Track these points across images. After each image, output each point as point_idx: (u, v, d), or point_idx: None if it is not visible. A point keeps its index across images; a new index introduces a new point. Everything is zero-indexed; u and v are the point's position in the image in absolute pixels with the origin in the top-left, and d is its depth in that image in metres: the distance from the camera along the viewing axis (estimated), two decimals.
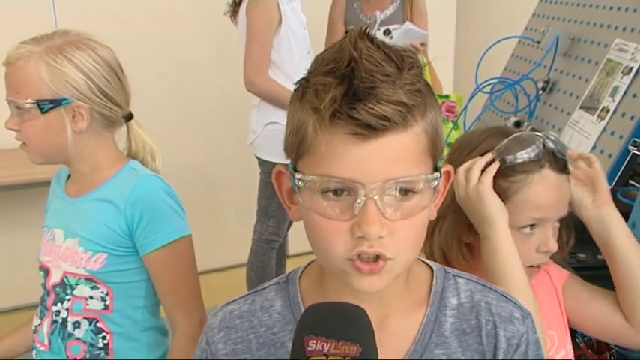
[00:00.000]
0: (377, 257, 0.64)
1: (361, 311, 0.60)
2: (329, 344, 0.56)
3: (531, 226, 0.98)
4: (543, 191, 0.96)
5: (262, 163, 2.44)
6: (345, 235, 0.64)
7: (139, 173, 1.21)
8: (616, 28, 1.57)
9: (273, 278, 2.61)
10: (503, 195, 0.96)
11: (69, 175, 1.28)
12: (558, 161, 0.98)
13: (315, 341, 0.56)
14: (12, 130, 1.17)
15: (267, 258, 2.52)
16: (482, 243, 0.96)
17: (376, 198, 0.62)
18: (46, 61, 1.13)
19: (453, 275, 0.76)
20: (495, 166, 0.96)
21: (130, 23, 2.82)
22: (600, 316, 1.02)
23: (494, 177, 0.96)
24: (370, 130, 0.61)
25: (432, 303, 0.73)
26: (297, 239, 3.03)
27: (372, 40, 0.64)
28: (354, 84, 0.61)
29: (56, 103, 1.14)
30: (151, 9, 2.93)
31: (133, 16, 2.87)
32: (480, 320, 0.72)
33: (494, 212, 0.95)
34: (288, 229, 2.62)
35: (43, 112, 1.14)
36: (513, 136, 0.98)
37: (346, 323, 0.58)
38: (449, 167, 0.72)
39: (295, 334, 0.59)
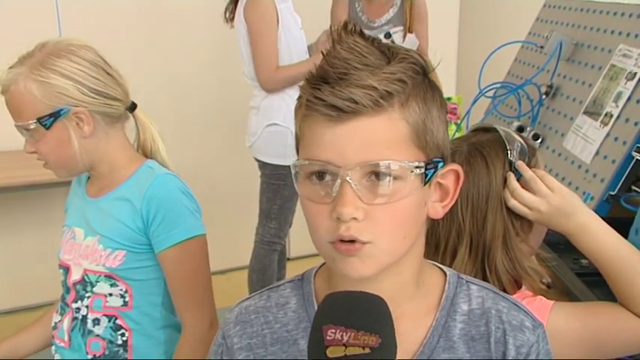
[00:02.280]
0: (354, 242, 0.65)
1: (381, 301, 0.60)
2: (348, 334, 0.56)
3: None
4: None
5: (263, 165, 2.44)
6: (327, 219, 0.66)
7: (155, 172, 1.23)
8: (620, 33, 1.56)
9: (274, 280, 2.61)
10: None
11: (89, 176, 1.30)
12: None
13: (334, 330, 0.56)
14: (31, 153, 1.20)
15: (269, 260, 2.51)
16: (581, 237, 0.98)
17: (350, 180, 0.64)
18: (33, 78, 1.14)
19: (467, 282, 0.76)
20: (537, 169, 1.01)
21: (130, 25, 2.82)
22: (612, 328, 0.96)
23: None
24: (340, 112, 0.63)
25: (442, 308, 0.73)
26: (298, 242, 3.03)
27: (362, 35, 0.67)
28: (323, 69, 0.65)
29: (55, 115, 1.15)
30: (153, 11, 2.93)
31: (134, 17, 2.87)
32: (490, 327, 0.72)
33: (578, 199, 0.99)
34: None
35: (47, 129, 1.16)
36: (503, 137, 1.02)
37: (366, 313, 0.58)
38: (456, 166, 0.72)
39: (314, 322, 0.59)
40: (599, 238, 0.97)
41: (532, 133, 1.68)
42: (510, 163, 1.00)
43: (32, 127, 1.15)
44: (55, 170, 1.23)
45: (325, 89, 0.64)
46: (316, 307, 0.74)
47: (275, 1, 2.31)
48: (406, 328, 0.71)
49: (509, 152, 0.99)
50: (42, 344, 1.35)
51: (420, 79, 0.68)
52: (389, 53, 0.66)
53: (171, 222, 1.18)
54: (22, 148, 1.21)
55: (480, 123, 1.30)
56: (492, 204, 0.99)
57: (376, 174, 0.65)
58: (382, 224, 0.65)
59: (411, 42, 2.55)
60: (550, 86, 1.72)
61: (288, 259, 2.80)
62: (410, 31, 2.63)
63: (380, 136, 0.64)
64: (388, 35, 2.60)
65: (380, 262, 0.67)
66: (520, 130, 1.70)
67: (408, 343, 0.72)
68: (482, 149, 1.01)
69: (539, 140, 1.67)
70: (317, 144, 0.65)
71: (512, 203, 0.98)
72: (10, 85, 1.15)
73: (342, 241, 0.65)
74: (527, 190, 0.98)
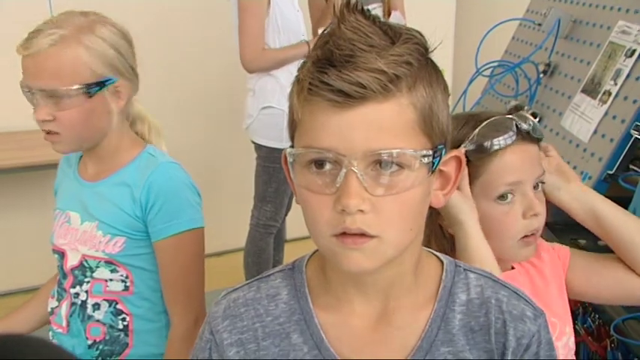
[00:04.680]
0: (361, 235, 0.62)
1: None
2: None
3: (511, 194, 0.97)
4: (513, 157, 0.97)
5: (259, 147, 2.43)
6: (329, 211, 0.62)
7: (157, 159, 1.20)
8: (619, 9, 1.54)
9: (270, 263, 2.58)
10: (476, 172, 0.96)
11: (80, 157, 1.26)
12: (531, 138, 0.98)
13: None
14: (44, 120, 1.11)
15: (264, 243, 2.51)
16: (455, 242, 0.96)
17: (356, 170, 0.61)
18: (84, 43, 1.10)
19: (464, 270, 0.73)
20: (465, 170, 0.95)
21: (126, 8, 2.77)
22: (616, 280, 1.03)
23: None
24: (347, 97, 0.60)
25: (440, 298, 0.71)
26: (294, 224, 3.02)
27: (363, 13, 0.64)
28: (328, 50, 0.61)
29: (101, 84, 1.12)
30: None
31: (129, 2, 2.83)
32: (490, 318, 0.70)
33: (462, 215, 0.94)
34: (286, 214, 2.60)
35: (90, 97, 1.11)
36: (487, 122, 0.96)
37: None
38: (458, 152, 0.69)
39: None
40: (468, 256, 0.93)
41: (530, 112, 1.66)
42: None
43: (73, 93, 1.10)
44: (64, 143, 1.15)
45: (331, 73, 0.60)
46: (309, 298, 0.72)
47: None
48: (403, 320, 0.70)
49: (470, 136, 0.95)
50: (36, 325, 1.32)
51: (425, 60, 0.65)
52: (392, 33, 0.63)
53: (170, 213, 1.16)
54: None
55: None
56: None
57: (382, 163, 0.61)
58: (389, 217, 0.62)
59: (397, 20, 2.51)
60: (548, 64, 1.71)
61: (286, 240, 2.80)
62: (389, 7, 2.59)
63: (388, 123, 0.61)
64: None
65: (385, 256, 0.64)
66: (518, 109, 1.69)
67: (407, 336, 0.70)
68: None
69: (537, 119, 1.66)
70: (320, 130, 0.61)
71: None
72: (48, 46, 1.08)
73: (346, 233, 0.62)
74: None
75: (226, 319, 0.73)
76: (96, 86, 1.12)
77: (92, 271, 1.19)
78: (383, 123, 0.61)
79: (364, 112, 0.60)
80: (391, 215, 0.62)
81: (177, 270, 1.19)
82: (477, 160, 0.96)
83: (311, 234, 0.66)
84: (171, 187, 1.18)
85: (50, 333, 1.27)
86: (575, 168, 1.44)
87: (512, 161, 0.96)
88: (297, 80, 0.65)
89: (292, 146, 0.66)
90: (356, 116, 0.60)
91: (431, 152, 0.64)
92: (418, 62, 0.63)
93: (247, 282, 0.76)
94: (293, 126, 0.66)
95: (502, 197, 0.97)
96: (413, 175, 0.63)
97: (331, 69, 0.60)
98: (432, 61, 0.67)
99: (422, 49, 0.64)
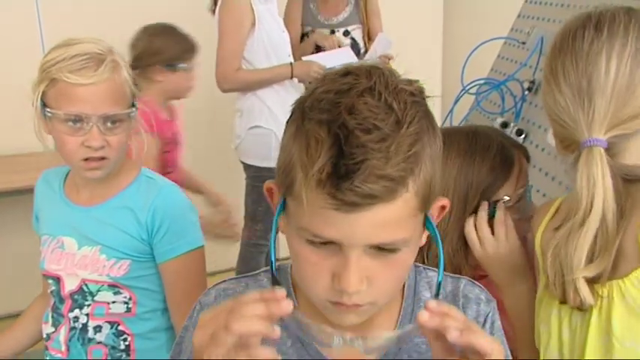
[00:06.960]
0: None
1: None
2: None
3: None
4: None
5: (248, 167, 2.43)
6: (326, 280, 0.65)
7: (157, 182, 1.22)
8: None
9: None
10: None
11: (64, 179, 1.25)
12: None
13: None
14: (100, 147, 1.11)
15: (255, 263, 2.50)
16: (509, 291, 0.99)
17: (356, 256, 0.63)
18: (124, 65, 1.14)
19: (424, 268, 0.79)
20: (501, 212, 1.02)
21: (113, 22, 2.79)
22: None
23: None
24: (355, 206, 0.61)
25: (406, 297, 0.77)
26: (285, 243, 3.02)
27: (373, 91, 0.62)
28: (340, 163, 0.59)
29: (136, 106, 1.16)
30: (135, 10, 2.91)
31: (118, 14, 2.84)
32: (454, 304, 0.76)
33: (525, 262, 0.99)
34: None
35: (133, 118, 1.15)
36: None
37: None
38: (445, 202, 0.71)
39: None
40: (528, 304, 0.98)
41: (516, 128, 1.68)
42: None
43: (127, 116, 1.13)
44: (107, 169, 1.15)
45: (344, 187, 0.59)
46: (293, 297, 0.75)
47: (252, 1, 2.28)
48: (378, 326, 0.73)
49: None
50: (25, 346, 1.32)
51: (425, 114, 0.64)
52: (397, 106, 0.61)
53: (176, 234, 1.18)
54: (88, 165, 1.12)
55: None
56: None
57: (382, 248, 0.64)
58: (384, 286, 0.66)
59: (384, 42, 2.51)
60: (532, 82, 1.72)
61: (277, 259, 2.79)
62: (369, 28, 2.62)
63: (392, 219, 0.62)
64: (347, 33, 2.60)
65: (373, 312, 0.68)
66: (504, 126, 1.70)
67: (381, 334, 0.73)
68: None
69: (523, 136, 1.67)
70: (322, 224, 0.62)
71: (469, 229, 1.00)
72: (110, 73, 1.10)
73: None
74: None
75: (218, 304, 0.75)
76: (134, 107, 1.15)
77: (93, 295, 1.19)
78: (387, 220, 0.62)
79: (370, 214, 0.61)
80: (386, 285, 0.66)
81: (184, 288, 1.20)
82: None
83: (304, 289, 0.70)
84: (176, 210, 1.19)
85: (47, 358, 1.26)
86: (560, 183, 1.45)
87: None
88: (303, 165, 0.62)
89: (284, 201, 0.66)
90: (362, 218, 0.61)
91: (424, 219, 0.67)
92: (422, 129, 0.63)
93: (236, 277, 0.80)
94: (289, 190, 0.65)
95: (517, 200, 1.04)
96: (408, 251, 0.66)
97: (344, 182, 0.59)
98: (428, 109, 0.66)
99: (423, 103, 0.65)
